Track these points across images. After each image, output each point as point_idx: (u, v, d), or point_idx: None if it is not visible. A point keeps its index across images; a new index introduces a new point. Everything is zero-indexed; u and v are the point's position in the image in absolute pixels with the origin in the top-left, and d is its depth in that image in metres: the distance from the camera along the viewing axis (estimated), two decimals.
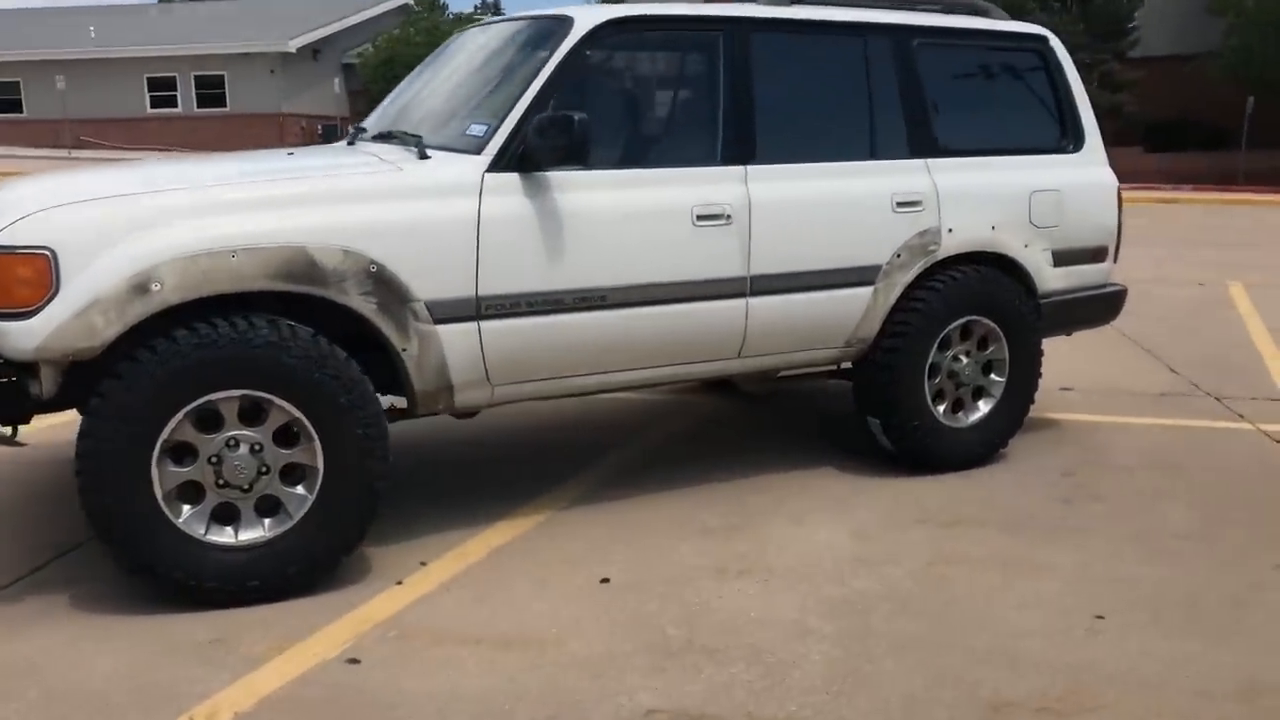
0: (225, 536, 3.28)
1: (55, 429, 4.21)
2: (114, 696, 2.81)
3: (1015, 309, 4.59)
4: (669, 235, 3.83)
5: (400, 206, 3.42)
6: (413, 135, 3.89)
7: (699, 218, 3.87)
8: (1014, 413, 4.73)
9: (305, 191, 3.35)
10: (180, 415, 3.15)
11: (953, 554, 3.76)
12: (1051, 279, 4.75)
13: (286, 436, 3.30)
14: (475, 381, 3.61)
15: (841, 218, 4.18)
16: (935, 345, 4.45)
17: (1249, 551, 3.80)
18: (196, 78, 36.60)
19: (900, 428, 4.45)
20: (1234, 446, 5.01)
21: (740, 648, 3.08)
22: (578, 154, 3.52)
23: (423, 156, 3.65)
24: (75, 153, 30.79)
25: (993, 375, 4.67)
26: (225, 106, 36.48)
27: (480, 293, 3.52)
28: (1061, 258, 4.76)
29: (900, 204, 4.30)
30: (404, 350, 3.43)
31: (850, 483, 4.45)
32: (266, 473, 3.28)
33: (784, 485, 4.41)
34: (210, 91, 36.84)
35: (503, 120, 3.62)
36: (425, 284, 3.42)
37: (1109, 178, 4.93)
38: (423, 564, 3.62)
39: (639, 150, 4.07)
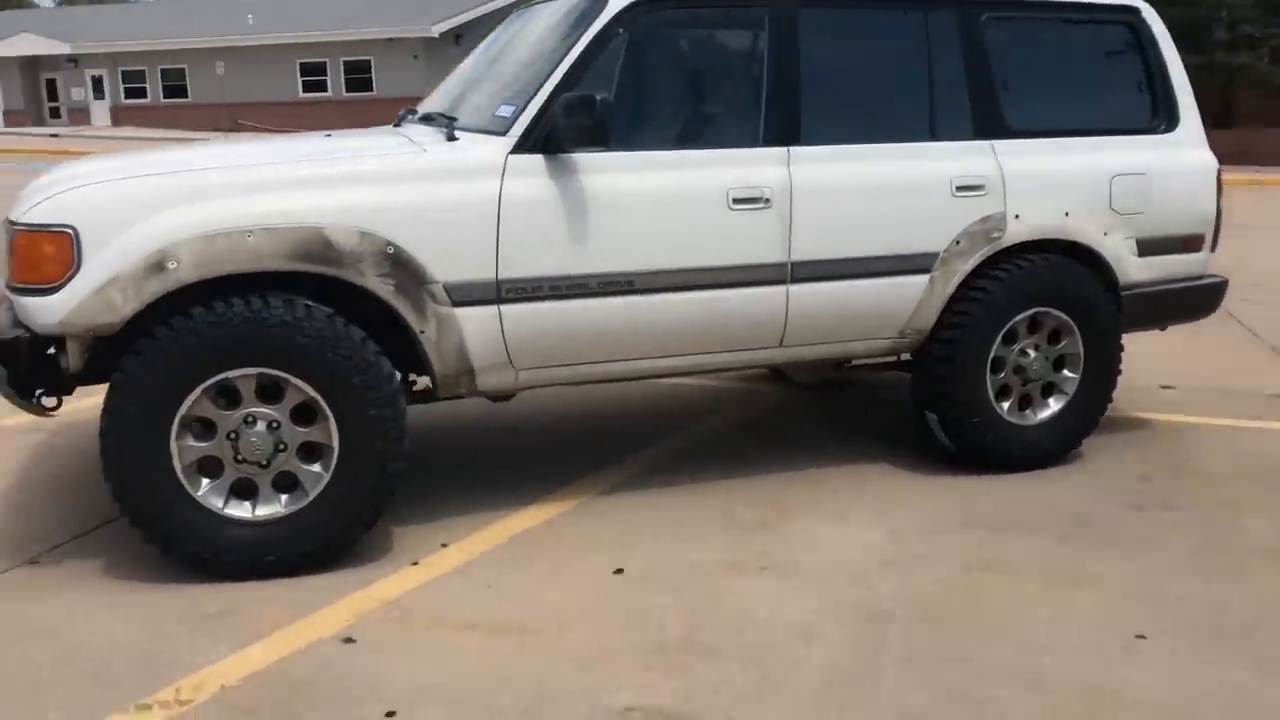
0: (243, 511, 3.34)
1: None
2: (116, 664, 2.89)
3: (1090, 301, 4.30)
4: (701, 219, 3.71)
5: (420, 188, 3.40)
6: (449, 117, 3.89)
7: (735, 201, 3.74)
8: (1088, 412, 4.43)
9: (323, 173, 3.37)
10: (198, 391, 3.22)
11: (993, 559, 3.54)
12: (1135, 270, 4.42)
13: (305, 415, 3.34)
14: (498, 365, 3.58)
15: (893, 202, 3.97)
16: (999, 338, 4.21)
17: None
18: (345, 63, 37.87)
19: (959, 424, 4.23)
20: None
21: (740, 648, 2.97)
22: (599, 135, 3.44)
23: (451, 138, 3.63)
24: (232, 135, 32.28)
25: (1065, 371, 4.39)
26: (372, 90, 37.62)
27: (501, 276, 3.48)
28: (1147, 247, 4.43)
29: (960, 188, 4.06)
30: (422, 332, 3.43)
31: (903, 480, 4.26)
32: (284, 450, 3.33)
33: (831, 480, 4.24)
34: (358, 76, 38.07)
35: (529, 101, 3.57)
36: (444, 266, 3.40)
37: (1206, 160, 4.56)
38: (443, 545, 3.62)
39: (673, 131, 3.94)
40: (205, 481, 3.31)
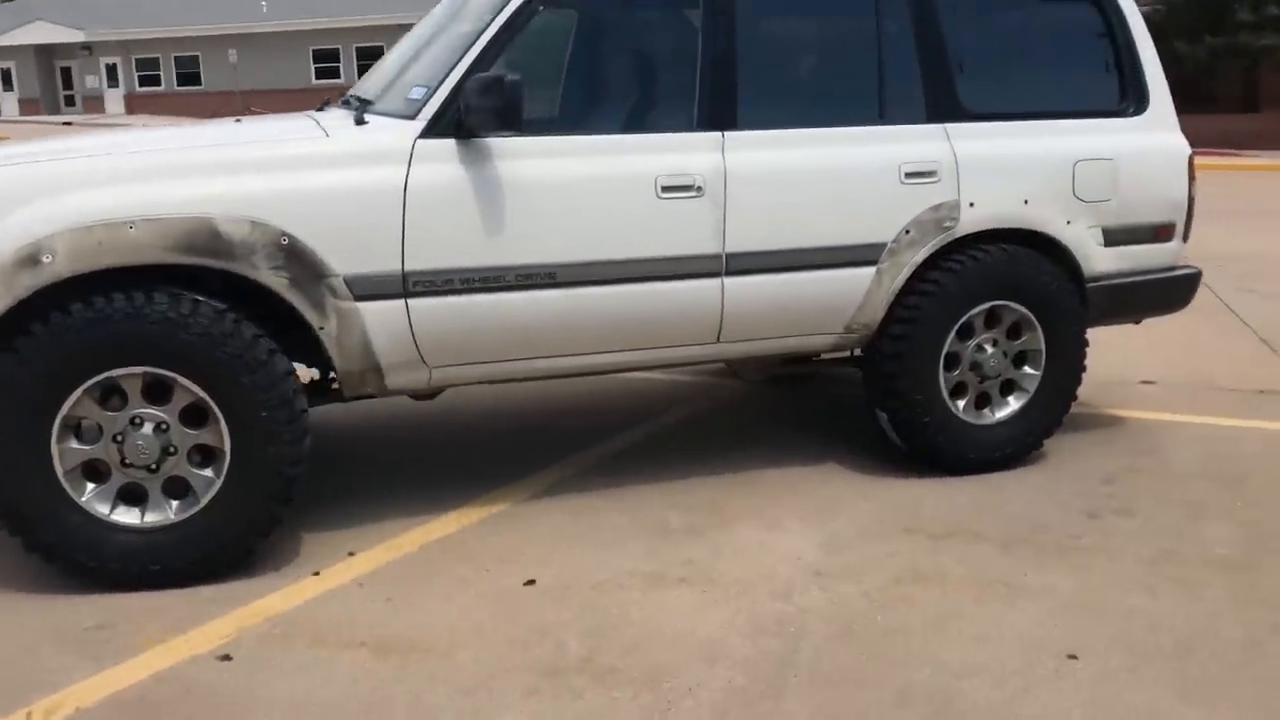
0: (131, 518, 3.17)
1: None
2: None
3: (1052, 294, 4.06)
4: (628, 208, 3.50)
5: (318, 175, 3.21)
6: (365, 100, 3.70)
7: (664, 189, 3.53)
8: (1051, 411, 4.20)
9: (212, 159, 3.18)
10: (79, 392, 3.05)
11: (929, 570, 3.33)
12: (1101, 261, 4.18)
13: (195, 416, 3.16)
14: (408, 363, 3.39)
15: (835, 190, 3.75)
16: (953, 333, 3.98)
17: None
18: (358, 49, 37.75)
19: (909, 423, 4.01)
20: None
21: (639, 668, 2.78)
22: (510, 119, 3.24)
23: (360, 122, 3.43)
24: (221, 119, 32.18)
25: (1026, 368, 4.16)
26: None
27: (407, 268, 3.29)
28: (1114, 236, 4.19)
29: (910, 174, 3.84)
30: (322, 328, 3.24)
31: (851, 483, 4.05)
32: (174, 453, 3.16)
33: (775, 482, 4.04)
34: (371, 62, 37.88)
35: (440, 83, 3.37)
36: (344, 258, 3.21)
37: (1178, 144, 4.31)
38: (351, 554, 3.44)
39: (600, 115, 3.74)
40: (90, 486, 3.14)
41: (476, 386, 3.74)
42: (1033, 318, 4.07)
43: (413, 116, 3.35)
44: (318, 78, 38.20)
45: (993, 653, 2.86)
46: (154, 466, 3.15)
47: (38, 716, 2.56)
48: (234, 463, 3.16)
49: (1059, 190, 4.05)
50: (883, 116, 3.88)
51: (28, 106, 41.88)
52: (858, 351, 4.17)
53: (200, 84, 39.90)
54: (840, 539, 3.56)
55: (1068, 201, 4.07)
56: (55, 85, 43.12)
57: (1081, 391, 4.29)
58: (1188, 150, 4.33)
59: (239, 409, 3.12)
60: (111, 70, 41.63)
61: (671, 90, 3.76)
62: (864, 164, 3.79)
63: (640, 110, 3.79)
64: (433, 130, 3.32)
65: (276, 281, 3.15)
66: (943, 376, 4.00)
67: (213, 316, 3.07)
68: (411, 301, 3.31)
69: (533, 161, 3.41)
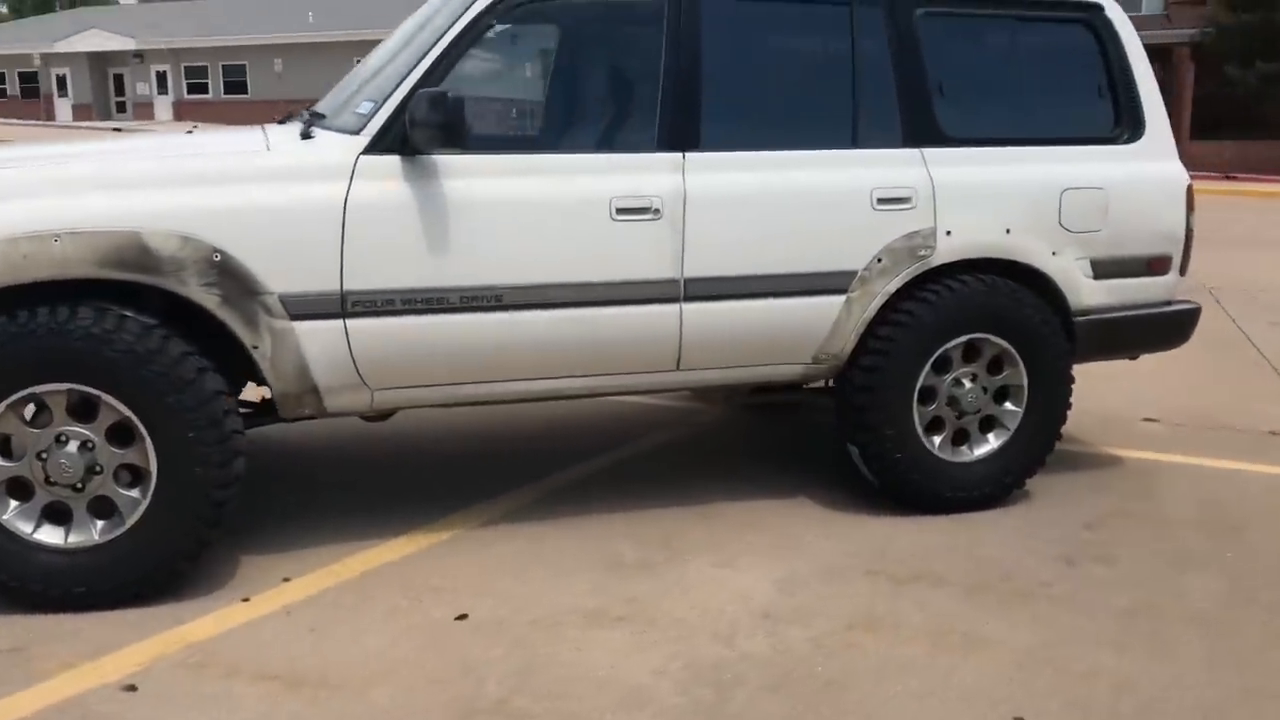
0: (54, 538, 3.08)
1: None
2: None
3: (1034, 328, 3.88)
4: (579, 230, 3.38)
5: (254, 190, 3.12)
6: (318, 114, 3.61)
7: (619, 211, 3.40)
8: (1032, 449, 4.02)
9: (142, 172, 3.10)
10: (2, 407, 2.97)
11: (883, 616, 3.17)
12: (1089, 294, 3.99)
13: (122, 435, 3.08)
14: (347, 385, 3.28)
15: (802, 216, 3.60)
16: (928, 366, 3.81)
17: (1267, 645, 3.04)
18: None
19: (881, 458, 3.85)
20: None
21: (555, 715, 2.64)
22: (453, 136, 3.13)
23: (305, 136, 3.35)
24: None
25: (1007, 404, 3.98)
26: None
27: (346, 288, 3.18)
28: (1104, 268, 4.00)
29: (882, 200, 3.68)
30: (255, 348, 3.14)
31: (818, 519, 3.88)
32: (100, 472, 3.07)
33: (739, 516, 3.88)
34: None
35: (386, 98, 3.27)
36: (279, 276, 3.12)
37: (1175, 173, 4.12)
38: (286, 580, 3.34)
39: (554, 134, 3.63)
40: (13, 504, 3.06)
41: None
42: (1014, 352, 3.90)
43: (357, 132, 3.26)
44: None
45: (934, 712, 2.69)
46: (79, 485, 3.07)
47: None
48: (160, 484, 3.07)
49: (1044, 220, 3.88)
50: (855, 140, 3.72)
51: (81, 112, 42.67)
52: (831, 382, 4.01)
53: (246, 92, 40.41)
54: (796, 579, 3.40)
55: (1053, 231, 3.89)
56: (108, 92, 43.89)
57: (1078, 428, 4.11)
58: (1186, 180, 4.13)
59: (165, 428, 3.03)
60: (161, 78, 42.32)
61: (632, 109, 3.63)
62: (833, 189, 3.64)
63: (598, 129, 3.67)
64: (377, 146, 3.23)
65: (207, 299, 3.06)
66: (917, 411, 3.83)
67: (138, 333, 2.99)
68: (350, 322, 3.20)
69: (480, 180, 3.30)
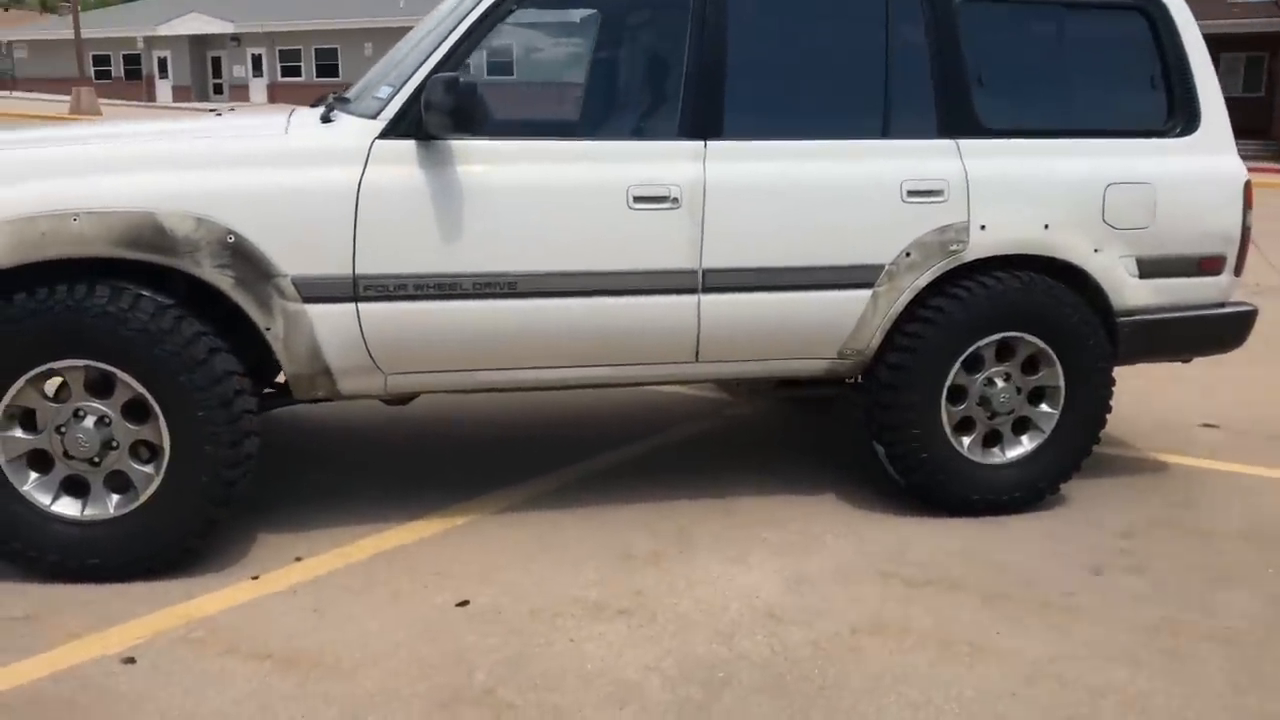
0: (71, 510, 3.16)
1: None
2: None
3: (1073, 327, 3.74)
4: (594, 218, 3.34)
5: (268, 173, 3.14)
6: (344, 99, 3.63)
7: (636, 199, 3.36)
8: (1068, 453, 3.87)
9: (158, 153, 3.14)
10: (22, 381, 3.05)
11: (890, 620, 3.08)
12: (1134, 294, 3.83)
13: (138, 412, 3.13)
14: (360, 368, 3.30)
15: (826, 207, 3.51)
16: (958, 364, 3.70)
17: None
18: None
19: (906, 458, 3.75)
20: None
21: (537, 707, 2.63)
22: (464, 121, 3.12)
23: (325, 120, 3.37)
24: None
25: (1043, 406, 3.84)
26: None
27: (359, 271, 3.20)
28: (1151, 267, 3.83)
29: (913, 193, 3.57)
30: (268, 329, 3.18)
31: (838, 518, 3.80)
32: (116, 447, 3.13)
33: (758, 511, 3.82)
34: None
35: (404, 83, 3.27)
36: (292, 259, 3.14)
37: (1231, 169, 3.92)
38: (297, 559, 3.38)
39: (570, 120, 3.60)
40: (33, 475, 3.15)
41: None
42: (1051, 352, 3.76)
43: (374, 116, 3.26)
44: None
45: None
46: (96, 460, 3.13)
47: None
48: (173, 461, 3.12)
49: (1086, 215, 3.72)
50: (886, 130, 3.61)
51: (180, 93, 43.95)
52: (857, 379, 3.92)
53: (339, 75, 41.10)
54: (806, 578, 3.33)
55: (1096, 228, 3.74)
56: (205, 74, 45.11)
57: (1129, 431, 3.95)
58: (1244, 176, 3.93)
59: (177, 407, 3.08)
60: (257, 61, 43.35)
61: (653, 95, 3.58)
62: (860, 180, 3.54)
63: (617, 115, 3.63)
64: (393, 131, 3.23)
65: (221, 280, 3.10)
66: (945, 411, 3.72)
67: (153, 312, 3.03)
68: (362, 306, 3.21)
69: (495, 166, 3.28)
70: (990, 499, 3.81)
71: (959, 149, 3.64)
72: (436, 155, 3.24)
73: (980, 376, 3.75)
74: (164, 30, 43.95)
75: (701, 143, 3.43)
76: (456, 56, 3.27)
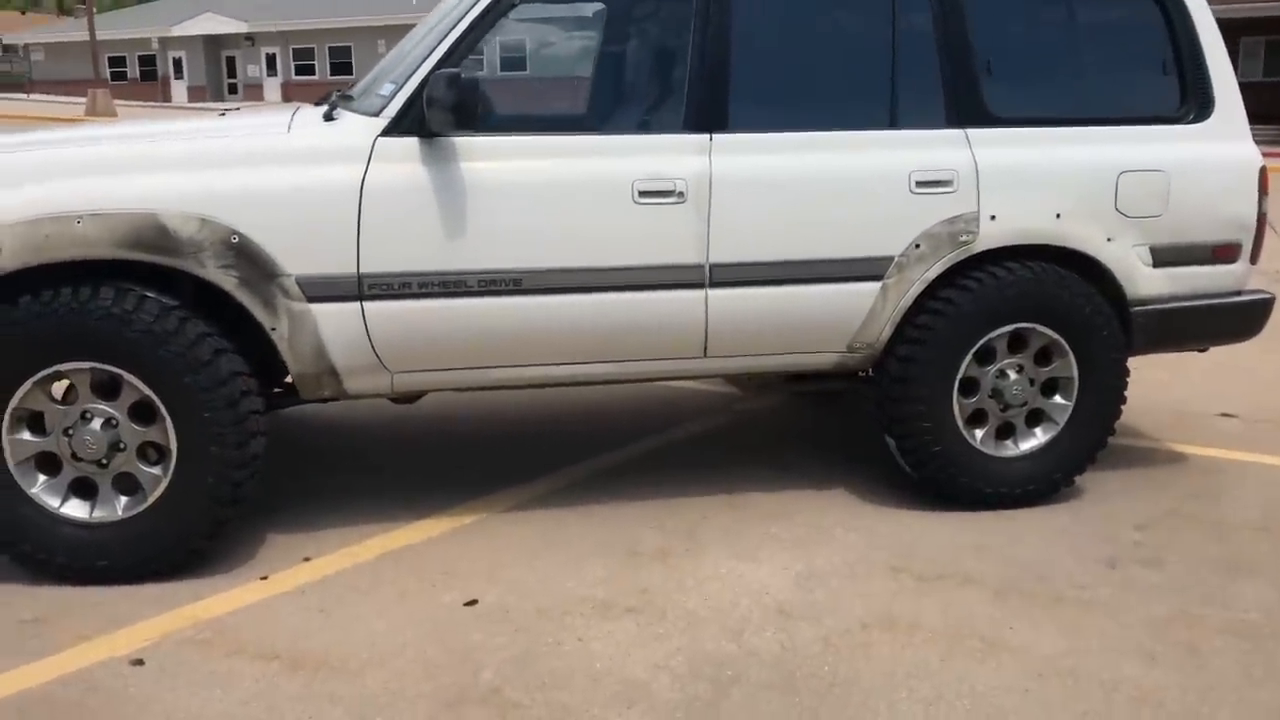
0: (79, 512, 3.16)
1: None
2: None
3: (1086, 317, 3.69)
4: (599, 213, 3.32)
5: (271, 172, 3.13)
6: (347, 96, 3.62)
7: (641, 193, 3.33)
8: (1082, 445, 3.83)
9: (161, 154, 3.13)
10: (29, 384, 3.05)
11: (902, 616, 3.05)
12: (1148, 283, 3.78)
13: (145, 413, 3.13)
14: (365, 367, 3.29)
15: (834, 199, 3.48)
16: (969, 356, 3.66)
17: None
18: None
19: (917, 452, 3.71)
20: None
21: (545, 706, 2.61)
22: (465, 117, 3.10)
23: (328, 118, 3.35)
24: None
25: (1056, 397, 3.80)
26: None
27: (363, 270, 3.18)
28: (1165, 256, 3.78)
29: (921, 183, 3.53)
30: (273, 329, 3.17)
31: (849, 512, 3.77)
32: (123, 449, 3.14)
33: (767, 506, 3.79)
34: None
35: (406, 80, 3.25)
36: (296, 258, 3.13)
37: (1246, 155, 3.86)
38: (306, 559, 3.37)
39: (574, 114, 3.57)
40: (41, 478, 3.15)
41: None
42: (1063, 343, 3.72)
43: (377, 113, 3.25)
44: None
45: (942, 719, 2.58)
46: (103, 461, 3.13)
47: None
48: (180, 462, 3.12)
49: (1098, 204, 3.68)
50: (894, 120, 3.57)
51: (195, 93, 44.13)
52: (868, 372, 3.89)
53: (352, 73, 41.14)
54: (816, 574, 3.30)
55: (1108, 216, 3.69)
56: (220, 74, 45.28)
57: (1146, 422, 3.91)
58: (1258, 162, 3.87)
59: (184, 408, 3.08)
60: (271, 60, 43.48)
61: (658, 88, 3.55)
62: (868, 171, 3.50)
63: (621, 109, 3.61)
64: (396, 128, 3.21)
65: (225, 280, 3.09)
66: (957, 403, 3.68)
67: (157, 314, 3.03)
68: (367, 304, 3.20)
69: (498, 163, 3.26)
70: (1003, 492, 3.78)
71: (968, 138, 3.60)
72: (440, 152, 3.22)
73: (992, 368, 3.72)
74: (178, 31, 44.13)
75: (707, 136, 3.40)
76: (459, 53, 3.25)
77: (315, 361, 3.23)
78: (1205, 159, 3.80)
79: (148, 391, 3.08)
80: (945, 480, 3.74)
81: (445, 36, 3.27)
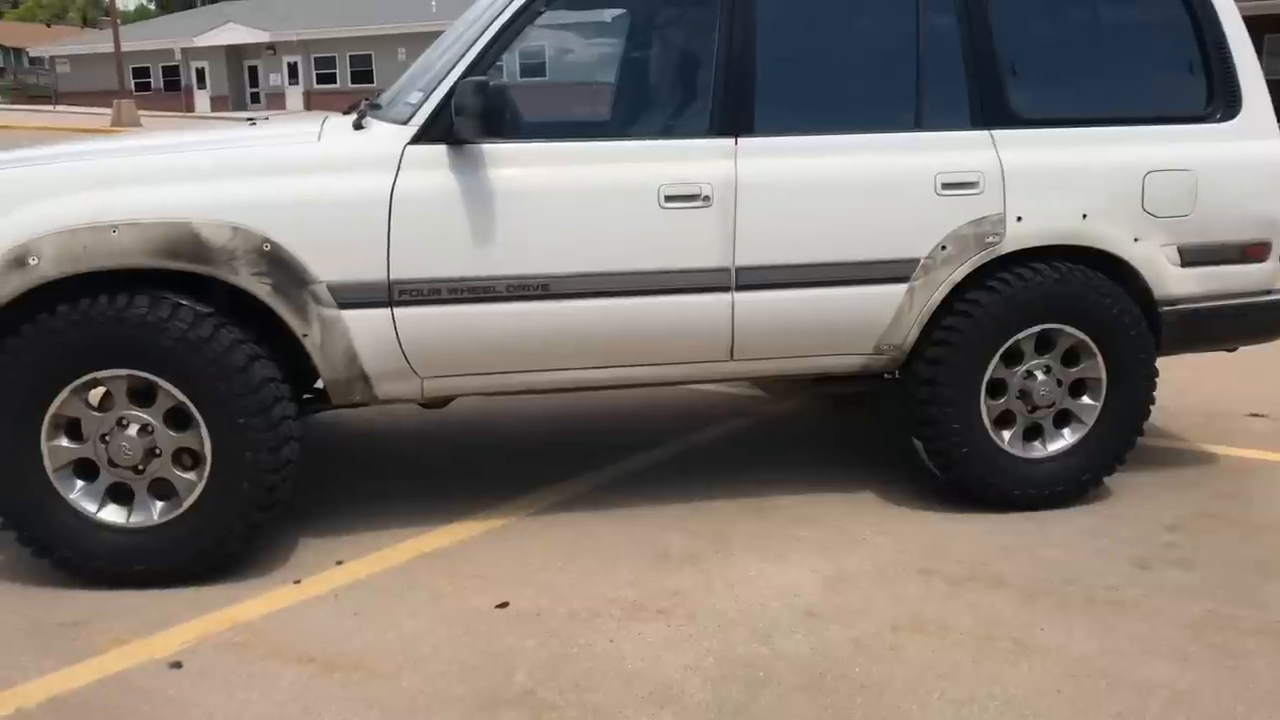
0: (116, 517, 3.20)
1: None
2: None
3: (1113, 317, 3.69)
4: (626, 218, 3.34)
5: (302, 181, 3.17)
6: (375, 105, 3.66)
7: (668, 198, 3.35)
8: (1110, 446, 3.82)
9: (193, 164, 3.18)
10: (67, 391, 3.10)
11: (932, 618, 3.06)
12: (1176, 282, 3.77)
13: (180, 419, 3.17)
14: (396, 372, 3.32)
15: (860, 202, 3.49)
16: (997, 357, 3.66)
17: None
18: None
19: (945, 454, 3.71)
20: None
21: (578, 707, 2.63)
22: (493, 124, 3.14)
23: (358, 127, 3.39)
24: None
25: (1084, 398, 3.80)
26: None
27: (393, 277, 3.22)
28: (1193, 255, 3.77)
29: (947, 185, 3.54)
30: (305, 336, 3.20)
31: (877, 514, 3.77)
32: (159, 455, 3.18)
33: (796, 509, 3.80)
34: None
35: (434, 88, 3.29)
36: (327, 265, 3.17)
37: (1274, 153, 3.83)
38: (339, 563, 3.40)
39: (600, 120, 3.59)
40: (79, 484, 3.19)
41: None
42: (1091, 343, 3.71)
43: (406, 122, 3.28)
44: None
45: None
46: (139, 467, 3.18)
47: None
48: (214, 467, 3.16)
49: (1125, 204, 3.67)
50: (919, 122, 3.58)
51: (218, 103, 44.46)
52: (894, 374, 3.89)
53: (373, 81, 41.37)
54: (846, 576, 3.31)
55: (1136, 217, 3.68)
56: (242, 83, 45.61)
57: (1175, 422, 3.89)
58: None
59: (218, 414, 3.12)
60: (293, 69, 43.77)
61: (683, 93, 3.57)
62: (893, 174, 3.51)
63: (647, 115, 3.63)
64: (425, 136, 3.24)
65: (258, 287, 3.13)
66: (985, 405, 3.68)
67: (191, 321, 3.07)
68: (397, 310, 3.24)
69: (525, 169, 3.29)
70: (1031, 493, 3.77)
71: (993, 139, 3.60)
72: (468, 159, 3.25)
73: (1020, 369, 3.71)
74: (201, 41, 44.49)
75: (732, 140, 3.42)
76: (486, 60, 3.28)
77: (346, 367, 3.26)
78: (1233, 158, 3.78)
79: (183, 398, 3.12)
80: (973, 482, 3.74)
81: (473, 44, 3.31)
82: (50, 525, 3.16)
